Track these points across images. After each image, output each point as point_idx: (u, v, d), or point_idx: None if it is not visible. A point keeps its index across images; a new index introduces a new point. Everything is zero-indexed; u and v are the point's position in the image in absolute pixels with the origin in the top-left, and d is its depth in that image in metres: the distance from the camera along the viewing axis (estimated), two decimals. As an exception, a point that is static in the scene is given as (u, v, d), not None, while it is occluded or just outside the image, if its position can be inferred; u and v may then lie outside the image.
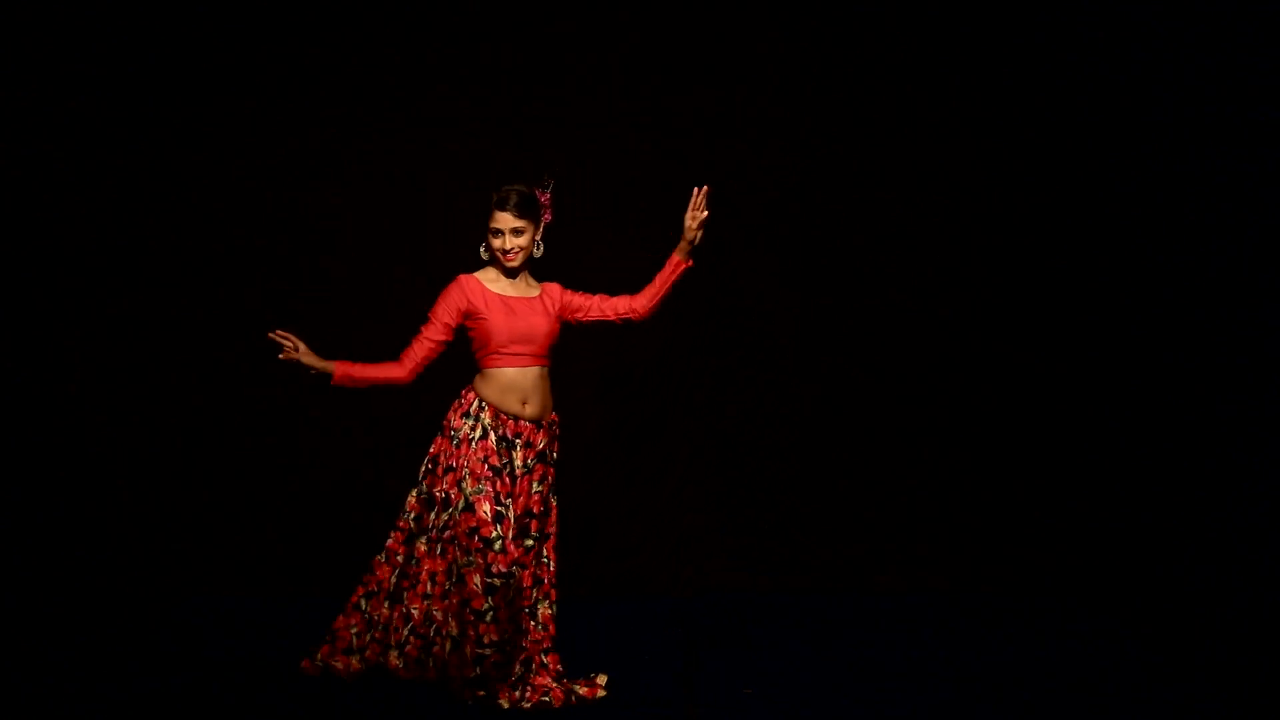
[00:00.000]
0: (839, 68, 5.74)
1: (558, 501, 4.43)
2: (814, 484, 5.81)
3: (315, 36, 5.63)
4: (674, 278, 4.40)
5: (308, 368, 4.26)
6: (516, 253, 4.28)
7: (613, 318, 4.43)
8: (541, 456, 4.34)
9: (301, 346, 4.25)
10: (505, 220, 4.27)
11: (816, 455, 5.83)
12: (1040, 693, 4.33)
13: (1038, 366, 5.82)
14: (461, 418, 4.31)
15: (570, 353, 5.46)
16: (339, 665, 4.39)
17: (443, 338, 4.31)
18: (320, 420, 5.70)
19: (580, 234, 5.69)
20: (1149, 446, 5.76)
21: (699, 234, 4.37)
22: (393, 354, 5.66)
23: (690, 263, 4.41)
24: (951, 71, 5.75)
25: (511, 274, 4.34)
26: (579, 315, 4.41)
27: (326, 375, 4.28)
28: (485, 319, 4.26)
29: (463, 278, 4.32)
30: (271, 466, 5.67)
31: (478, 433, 4.27)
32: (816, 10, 5.73)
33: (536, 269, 4.42)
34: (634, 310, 4.42)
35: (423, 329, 4.34)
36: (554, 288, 4.41)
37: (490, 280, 4.33)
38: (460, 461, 4.26)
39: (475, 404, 4.31)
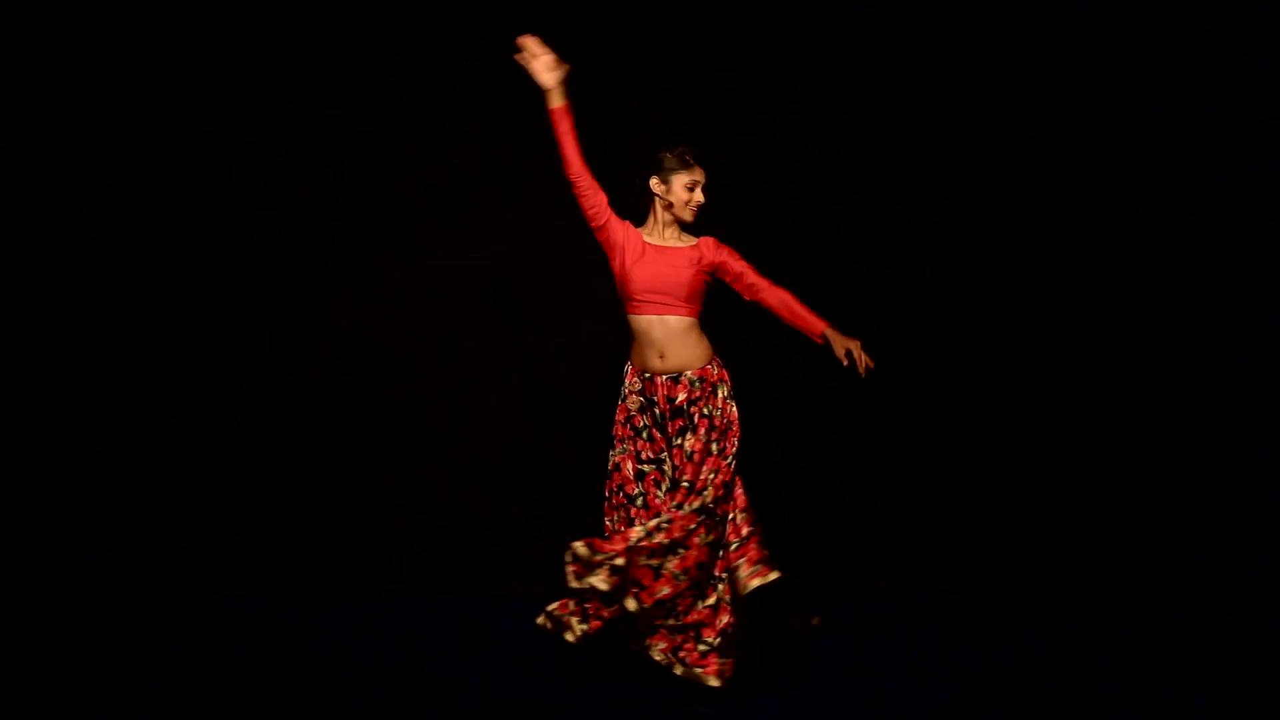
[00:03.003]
0: (837, 70, 5.75)
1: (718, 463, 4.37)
2: (813, 484, 5.81)
3: (315, 37, 5.63)
4: (804, 328, 4.52)
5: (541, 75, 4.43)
6: (699, 205, 4.50)
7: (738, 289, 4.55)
8: (679, 411, 4.42)
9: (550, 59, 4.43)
10: (702, 174, 4.48)
11: (815, 456, 5.83)
12: (1040, 693, 4.33)
13: (1037, 367, 5.83)
14: (624, 384, 4.56)
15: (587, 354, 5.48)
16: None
17: (598, 201, 4.47)
18: (320, 420, 5.71)
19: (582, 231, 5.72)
20: (1149, 446, 5.76)
21: (846, 359, 4.43)
22: (396, 354, 5.71)
23: (822, 342, 4.49)
24: (950, 72, 5.76)
25: (681, 227, 4.51)
26: (729, 280, 4.54)
27: (553, 95, 4.43)
28: (623, 258, 4.47)
29: (627, 222, 4.51)
30: (271, 466, 5.67)
31: (621, 395, 4.53)
32: (819, 10, 5.73)
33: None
34: (758, 299, 4.54)
35: (598, 187, 4.47)
36: (708, 242, 4.53)
37: (647, 233, 4.53)
38: (626, 438, 4.50)
39: (626, 367, 4.56)
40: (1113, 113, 5.73)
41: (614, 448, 4.51)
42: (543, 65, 4.42)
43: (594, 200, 4.46)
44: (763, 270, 4.60)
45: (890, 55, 5.75)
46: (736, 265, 4.51)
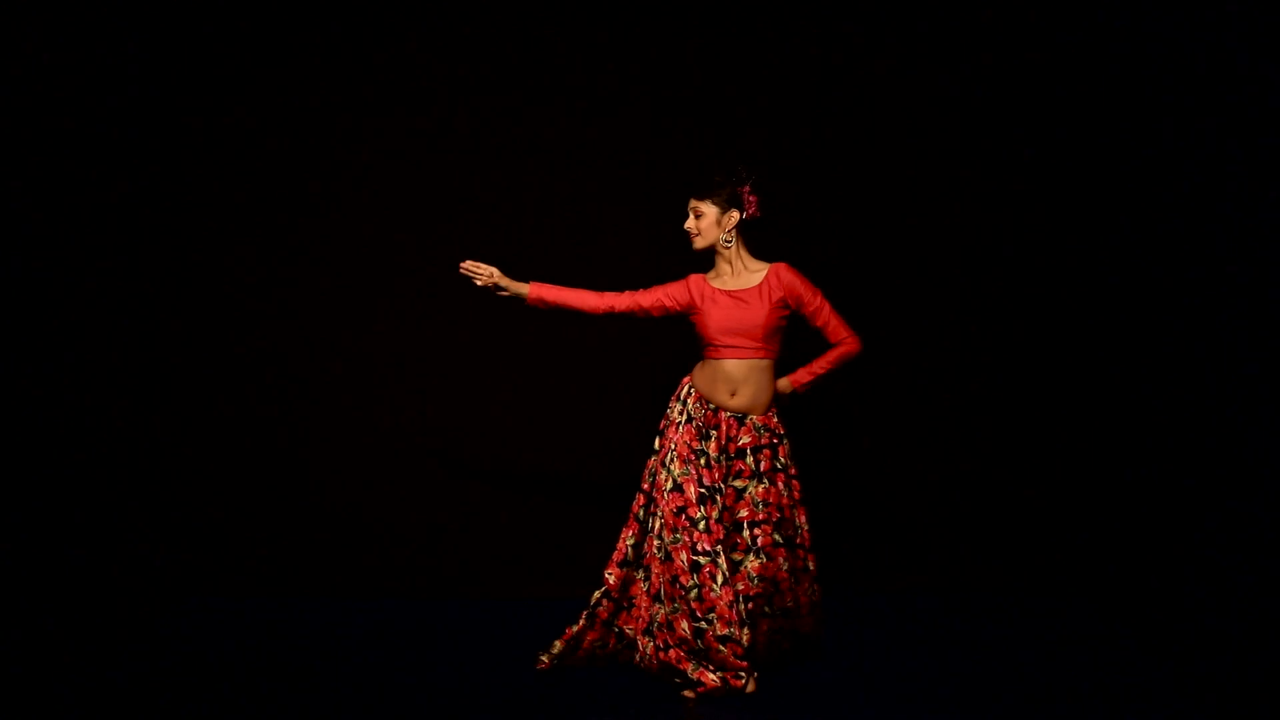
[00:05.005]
0: (837, 68, 5.75)
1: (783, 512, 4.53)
2: (812, 484, 5.81)
3: (317, 37, 5.63)
4: (822, 372, 4.64)
5: (501, 289, 4.53)
6: (695, 235, 4.52)
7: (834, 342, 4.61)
8: (741, 454, 4.48)
9: (495, 272, 4.52)
10: (690, 203, 4.53)
11: (815, 455, 5.83)
12: (1040, 693, 4.33)
13: (1038, 368, 5.83)
14: (674, 402, 4.57)
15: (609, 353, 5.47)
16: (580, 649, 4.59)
17: (649, 303, 4.53)
18: (320, 420, 5.71)
19: (588, 231, 5.72)
20: (1150, 446, 5.76)
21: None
22: (398, 354, 5.71)
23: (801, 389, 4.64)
24: (952, 72, 5.76)
25: (705, 258, 4.56)
26: (807, 316, 4.56)
27: (520, 297, 4.54)
28: (703, 313, 4.49)
29: (692, 276, 4.56)
30: (272, 466, 5.67)
31: (683, 418, 4.51)
32: (824, 11, 5.73)
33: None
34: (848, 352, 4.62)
35: (641, 290, 4.54)
36: (781, 270, 4.53)
37: (713, 277, 4.55)
38: (667, 444, 4.50)
39: (685, 390, 4.56)
40: (1111, 115, 5.73)
41: (671, 464, 4.45)
42: (492, 282, 4.52)
43: (656, 303, 4.52)
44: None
45: (891, 55, 5.75)
46: (811, 300, 4.51)
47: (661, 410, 4.65)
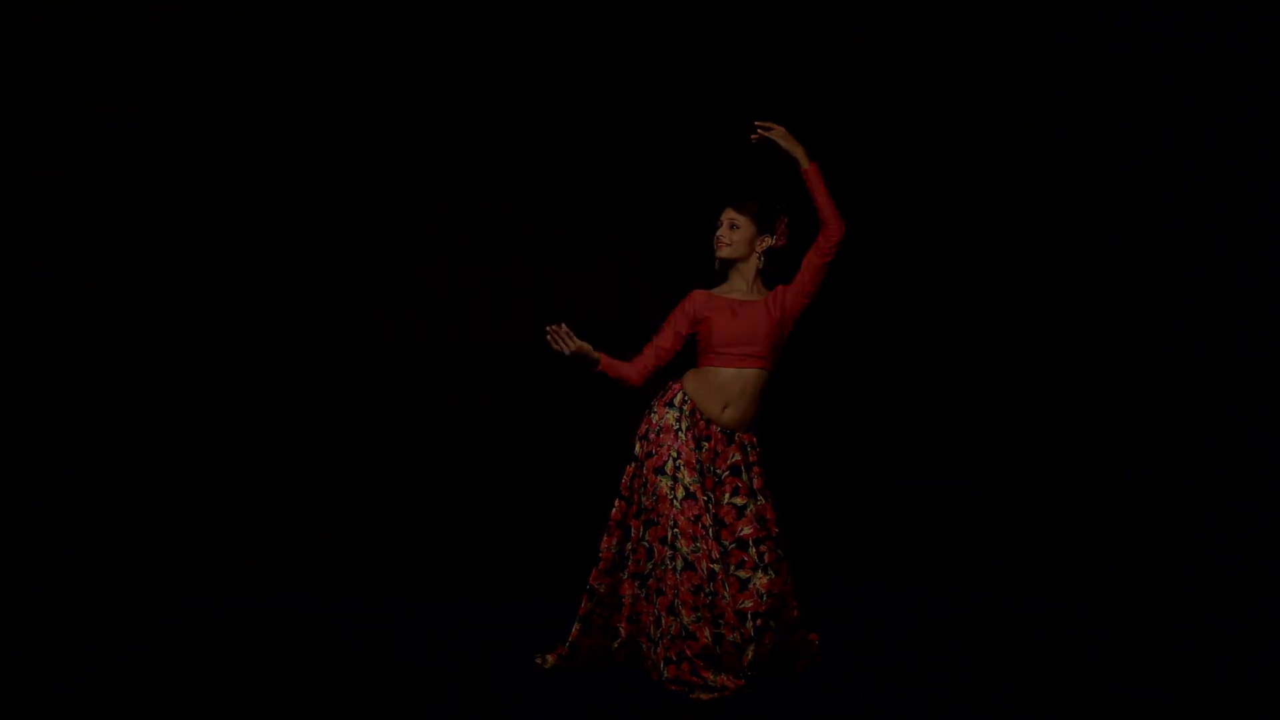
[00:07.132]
0: (839, 71, 5.76)
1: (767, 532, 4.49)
2: (811, 482, 5.81)
3: (325, 39, 5.64)
4: (820, 184, 4.45)
5: (575, 355, 4.38)
6: (725, 245, 4.49)
7: (821, 260, 4.49)
8: (736, 471, 4.48)
9: (574, 341, 4.36)
10: (726, 212, 4.51)
11: (814, 454, 5.83)
12: (1039, 692, 4.33)
13: (1037, 367, 5.83)
14: (666, 407, 4.49)
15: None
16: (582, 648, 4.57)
17: (669, 345, 4.51)
18: (318, 421, 5.70)
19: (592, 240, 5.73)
20: (1149, 446, 5.76)
21: (783, 139, 4.46)
22: (396, 354, 5.71)
23: (814, 163, 4.45)
24: (951, 72, 5.76)
25: (725, 267, 4.53)
26: (805, 288, 4.50)
27: (591, 362, 4.42)
28: (710, 319, 4.45)
29: (693, 293, 4.53)
30: (271, 466, 5.67)
31: (681, 425, 4.46)
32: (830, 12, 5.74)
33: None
34: (828, 237, 4.47)
35: (654, 336, 4.52)
36: (779, 288, 4.55)
37: (724, 290, 4.55)
38: (665, 451, 4.43)
39: (679, 396, 4.49)
40: (1111, 115, 5.73)
41: (680, 473, 4.41)
42: (574, 349, 4.39)
43: (674, 337, 4.48)
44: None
45: (889, 54, 5.76)
46: (798, 274, 4.49)
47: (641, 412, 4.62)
